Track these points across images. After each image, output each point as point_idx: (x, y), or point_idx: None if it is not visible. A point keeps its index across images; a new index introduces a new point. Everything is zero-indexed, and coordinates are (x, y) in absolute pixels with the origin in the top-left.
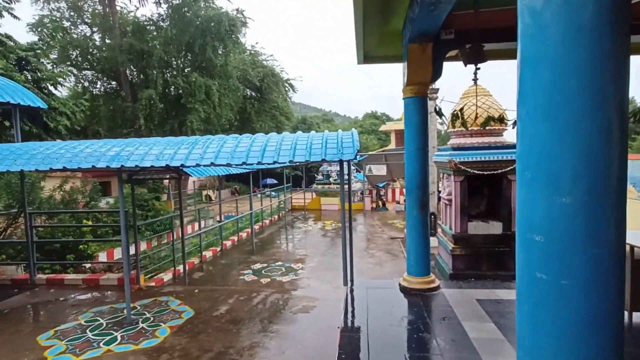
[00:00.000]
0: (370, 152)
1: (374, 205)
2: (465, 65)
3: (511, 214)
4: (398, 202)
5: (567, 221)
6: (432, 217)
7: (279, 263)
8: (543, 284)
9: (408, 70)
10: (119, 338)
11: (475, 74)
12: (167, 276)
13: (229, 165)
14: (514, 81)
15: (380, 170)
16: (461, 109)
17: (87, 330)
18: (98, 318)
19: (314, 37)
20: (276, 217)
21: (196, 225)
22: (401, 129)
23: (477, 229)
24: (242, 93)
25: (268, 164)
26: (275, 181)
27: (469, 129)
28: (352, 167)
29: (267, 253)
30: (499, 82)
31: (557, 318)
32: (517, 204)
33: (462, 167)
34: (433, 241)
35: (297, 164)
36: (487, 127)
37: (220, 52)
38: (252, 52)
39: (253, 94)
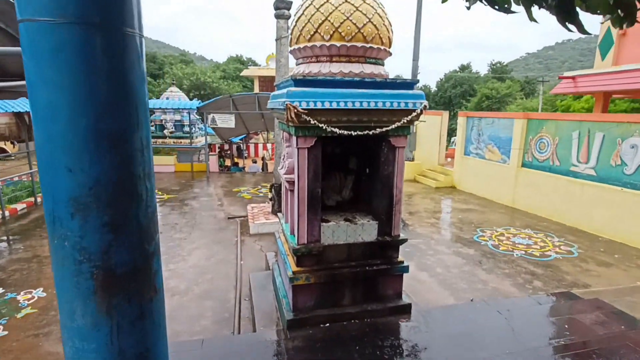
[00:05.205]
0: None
1: (229, 165)
2: None
3: (393, 204)
4: (254, 161)
5: None
6: (273, 188)
7: None
8: None
9: None
10: None
11: None
12: None
13: None
14: None
15: (227, 121)
16: None
17: None
18: None
19: None
20: None
21: None
22: (266, 75)
23: (336, 234)
24: None
25: None
26: None
27: (329, 42)
28: (195, 117)
29: None
30: None
31: None
32: None
33: (312, 120)
34: (275, 223)
35: None
36: (360, 44)
37: None
38: None
39: None
